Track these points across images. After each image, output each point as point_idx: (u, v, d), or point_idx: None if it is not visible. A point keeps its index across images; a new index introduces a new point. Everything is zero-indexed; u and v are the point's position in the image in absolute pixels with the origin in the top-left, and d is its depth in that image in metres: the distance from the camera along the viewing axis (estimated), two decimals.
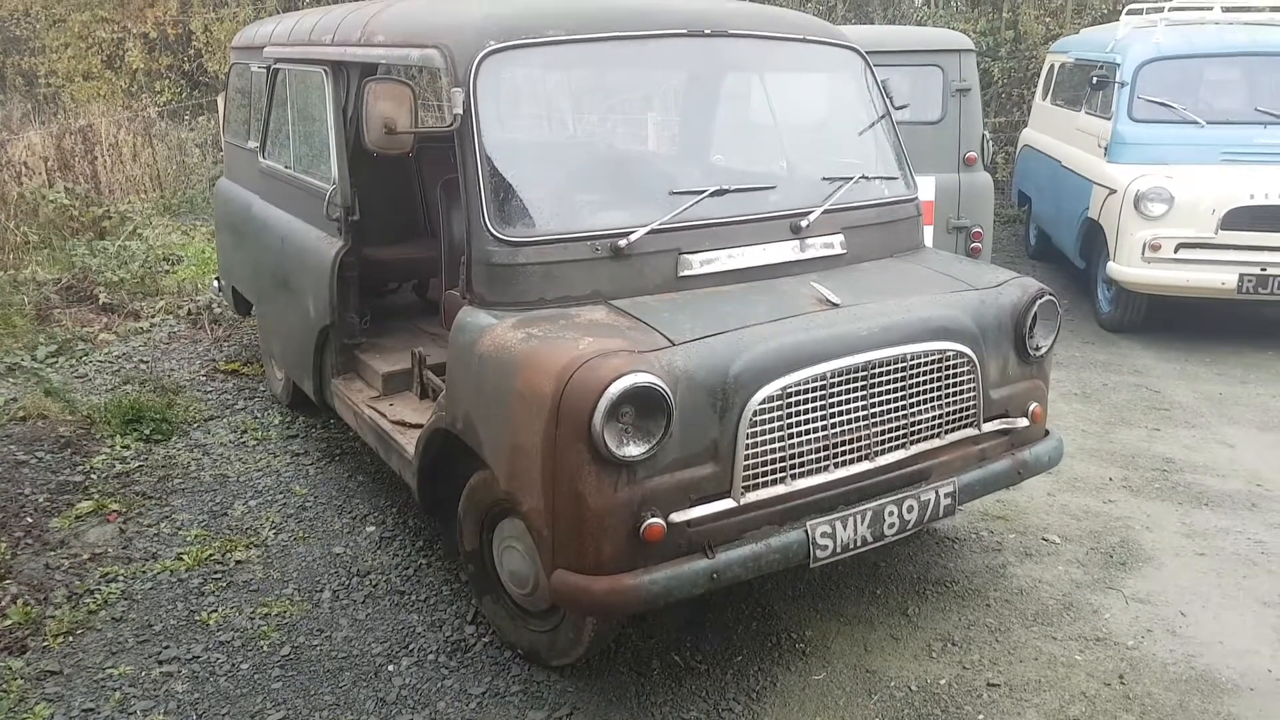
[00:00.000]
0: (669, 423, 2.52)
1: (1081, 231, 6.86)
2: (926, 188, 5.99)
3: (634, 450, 2.50)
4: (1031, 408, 3.29)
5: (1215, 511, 4.04)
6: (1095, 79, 6.82)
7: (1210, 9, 7.02)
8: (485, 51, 2.89)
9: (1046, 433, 3.41)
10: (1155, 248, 5.99)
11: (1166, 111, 6.42)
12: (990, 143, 6.15)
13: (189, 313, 6.73)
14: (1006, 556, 3.69)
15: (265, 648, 3.18)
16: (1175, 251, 5.98)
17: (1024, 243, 8.98)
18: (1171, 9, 6.95)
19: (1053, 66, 8.44)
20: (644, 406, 2.49)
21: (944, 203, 6.04)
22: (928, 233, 6.03)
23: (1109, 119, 6.63)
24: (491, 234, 2.83)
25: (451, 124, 2.88)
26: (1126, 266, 6.11)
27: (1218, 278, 5.87)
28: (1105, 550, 3.73)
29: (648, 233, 2.93)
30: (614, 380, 2.44)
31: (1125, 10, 7.38)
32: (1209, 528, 3.90)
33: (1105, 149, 6.61)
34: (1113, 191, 6.26)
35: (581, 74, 3.47)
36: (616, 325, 2.73)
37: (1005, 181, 10.26)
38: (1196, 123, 6.34)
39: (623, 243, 2.90)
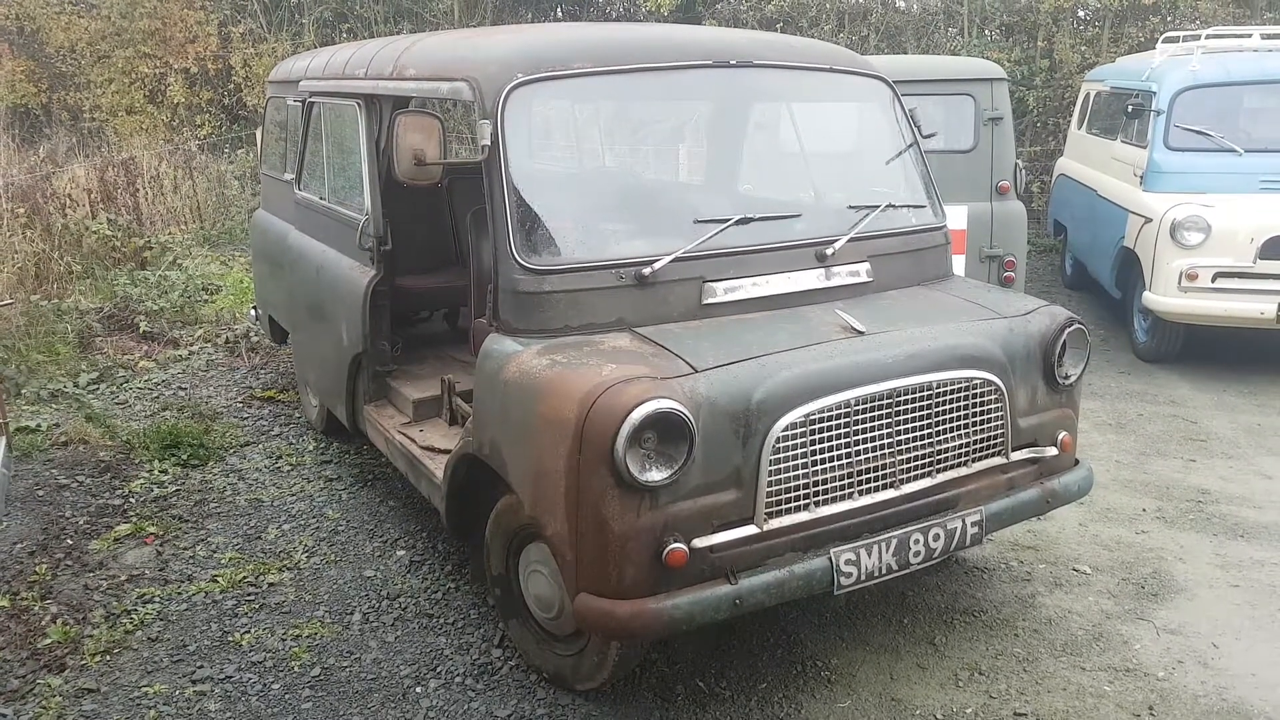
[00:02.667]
0: (691, 448, 2.54)
1: (1117, 261, 6.80)
2: (959, 217, 5.99)
3: (656, 476, 2.52)
4: (1061, 437, 3.27)
5: (1251, 543, 3.97)
6: (1131, 107, 6.78)
7: (1248, 36, 6.99)
8: (513, 84, 2.96)
9: (1076, 462, 3.39)
10: (1192, 277, 5.92)
11: (1203, 140, 6.36)
12: (1023, 171, 6.14)
13: (226, 341, 6.87)
14: (1036, 586, 3.65)
15: (296, 669, 3.22)
16: (1213, 281, 5.91)
17: (1060, 272, 8.92)
18: (1208, 36, 6.92)
19: (1088, 95, 8.41)
20: (666, 432, 2.52)
21: (976, 232, 6.02)
22: (960, 262, 6.03)
23: (1145, 147, 6.59)
24: (518, 262, 2.88)
25: (480, 155, 2.95)
26: (1163, 296, 6.04)
27: (1256, 307, 5.78)
28: (1137, 581, 3.68)
29: (671, 261, 2.97)
30: (636, 406, 2.47)
31: (1161, 38, 7.36)
32: (1244, 559, 3.83)
33: (1141, 178, 6.57)
34: (1149, 220, 6.21)
35: (607, 105, 3.54)
36: (640, 352, 2.76)
37: (1041, 211, 10.21)
38: (1234, 151, 6.28)
39: (647, 271, 2.94)
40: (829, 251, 3.24)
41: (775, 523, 2.70)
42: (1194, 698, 2.99)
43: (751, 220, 3.16)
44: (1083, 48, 10.85)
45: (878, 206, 3.41)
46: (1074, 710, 2.94)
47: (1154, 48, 7.33)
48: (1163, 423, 5.39)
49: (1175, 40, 7.13)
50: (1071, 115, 9.05)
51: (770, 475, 2.66)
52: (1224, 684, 3.06)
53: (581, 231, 3.11)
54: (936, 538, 2.91)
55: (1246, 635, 3.32)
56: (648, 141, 3.93)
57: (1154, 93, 6.61)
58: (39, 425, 5.19)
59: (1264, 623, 3.39)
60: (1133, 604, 3.52)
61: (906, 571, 2.89)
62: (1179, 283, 5.95)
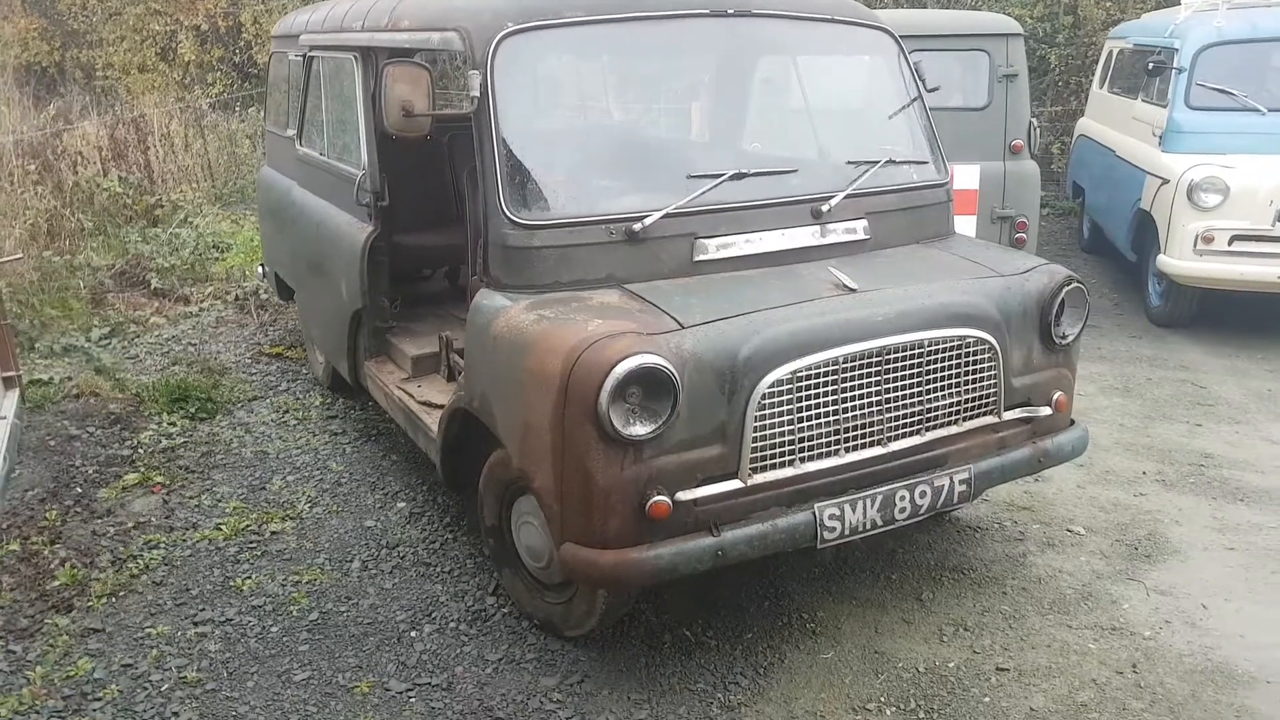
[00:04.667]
0: (675, 404, 2.55)
1: (1133, 223, 6.69)
2: (970, 176, 5.91)
3: (640, 430, 2.54)
4: (1056, 397, 3.25)
5: (1251, 507, 3.95)
6: (1152, 64, 6.63)
7: None
8: (503, 33, 2.94)
9: (1072, 422, 3.37)
10: (1208, 240, 5.83)
11: (1226, 99, 6.20)
12: (1038, 130, 6.03)
13: (236, 298, 6.94)
14: (1028, 546, 3.66)
15: (295, 613, 3.29)
16: (1229, 244, 5.80)
17: (1078, 235, 8.80)
18: None
19: (1111, 53, 8.23)
20: (650, 387, 2.53)
21: (988, 191, 5.94)
22: (971, 222, 5.97)
23: (1165, 106, 6.45)
24: (507, 217, 2.89)
25: (469, 107, 2.94)
26: (1177, 259, 5.95)
27: (1273, 271, 5.69)
28: (1130, 542, 3.68)
29: (663, 217, 2.96)
30: (620, 361, 2.48)
31: None
32: (1242, 523, 3.82)
33: (1160, 138, 6.44)
34: (1165, 181, 6.10)
35: (601, 56, 3.50)
36: (627, 308, 2.77)
37: (1061, 172, 10.05)
38: (1258, 110, 6.11)
39: (637, 227, 2.93)
40: (825, 208, 3.21)
41: (760, 478, 2.71)
42: (1179, 656, 3.01)
43: (745, 176, 3.13)
44: (1107, 4, 10.58)
45: (876, 162, 3.37)
46: (1056, 666, 2.96)
47: (1179, 4, 7.15)
48: (1171, 387, 5.35)
49: None
50: (1094, 74, 8.88)
51: (755, 431, 2.68)
52: (1210, 644, 3.07)
53: (572, 186, 3.10)
54: (923, 495, 2.92)
55: (1238, 597, 3.32)
56: (643, 94, 3.90)
57: (1176, 50, 6.46)
58: (51, 378, 5.28)
59: (1257, 586, 3.39)
60: (1124, 565, 3.53)
61: (891, 527, 2.91)
62: (1194, 246, 5.85)
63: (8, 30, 13.29)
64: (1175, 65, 6.40)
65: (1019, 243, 5.97)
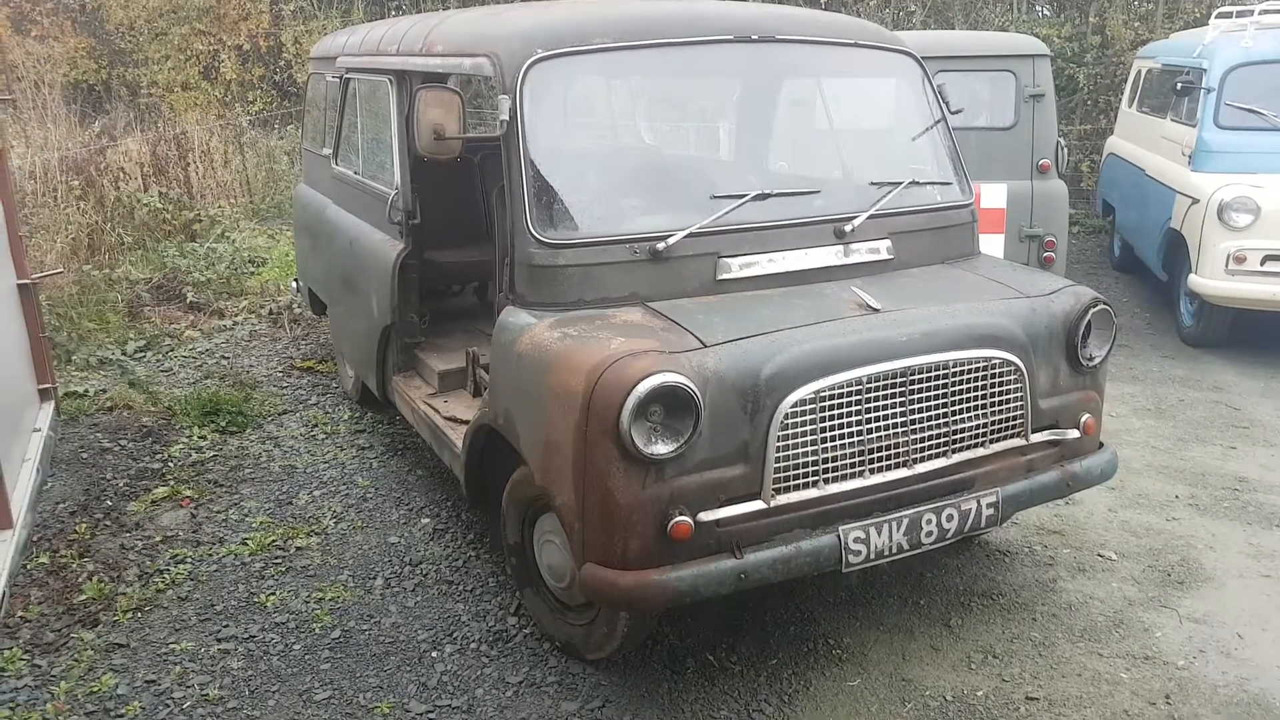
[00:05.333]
0: (697, 423, 2.55)
1: (1164, 242, 6.64)
2: (998, 195, 5.90)
3: (662, 449, 2.54)
4: (1084, 419, 3.21)
5: None
6: (1180, 84, 6.59)
7: None
8: (532, 59, 2.98)
9: (1101, 445, 3.33)
10: (1240, 260, 5.77)
11: (1255, 118, 6.17)
12: (1065, 150, 6.01)
13: (270, 312, 7.03)
14: (1058, 571, 3.61)
15: (317, 630, 3.31)
16: (1261, 264, 5.75)
17: (1108, 253, 8.72)
18: (1262, 11, 6.68)
19: (1139, 72, 8.18)
20: (672, 406, 2.53)
21: (1016, 211, 5.93)
22: (999, 241, 5.94)
23: (1194, 126, 6.41)
24: (533, 236, 2.91)
25: (499, 130, 2.97)
26: (1209, 279, 5.89)
27: None
28: (1163, 568, 3.62)
29: (686, 236, 2.97)
30: (642, 379, 2.48)
31: (1215, 14, 7.13)
32: (1278, 549, 3.75)
33: (1190, 157, 6.39)
34: (1196, 201, 6.04)
35: (628, 80, 3.53)
36: (650, 326, 2.78)
37: (1090, 190, 9.97)
38: None
39: (661, 246, 2.94)
40: (848, 228, 3.21)
41: (783, 499, 2.70)
42: (1213, 687, 2.95)
43: (769, 196, 3.14)
44: (1135, 24, 10.54)
45: (900, 183, 3.37)
46: (1088, 696, 2.91)
47: (1207, 24, 7.10)
48: (1204, 409, 5.27)
49: (1229, 16, 6.90)
50: (1122, 93, 8.82)
51: (778, 451, 2.66)
52: (1246, 675, 3.00)
53: (598, 206, 3.12)
54: (950, 518, 2.89)
55: (1274, 626, 3.25)
56: (668, 117, 3.93)
57: (1205, 70, 6.42)
58: (86, 391, 5.37)
59: None
60: (1157, 591, 3.47)
61: (918, 551, 2.88)
62: (1226, 265, 5.80)
63: (57, 50, 13.60)
64: (1204, 85, 6.36)
65: (1048, 261, 5.94)
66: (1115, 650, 3.14)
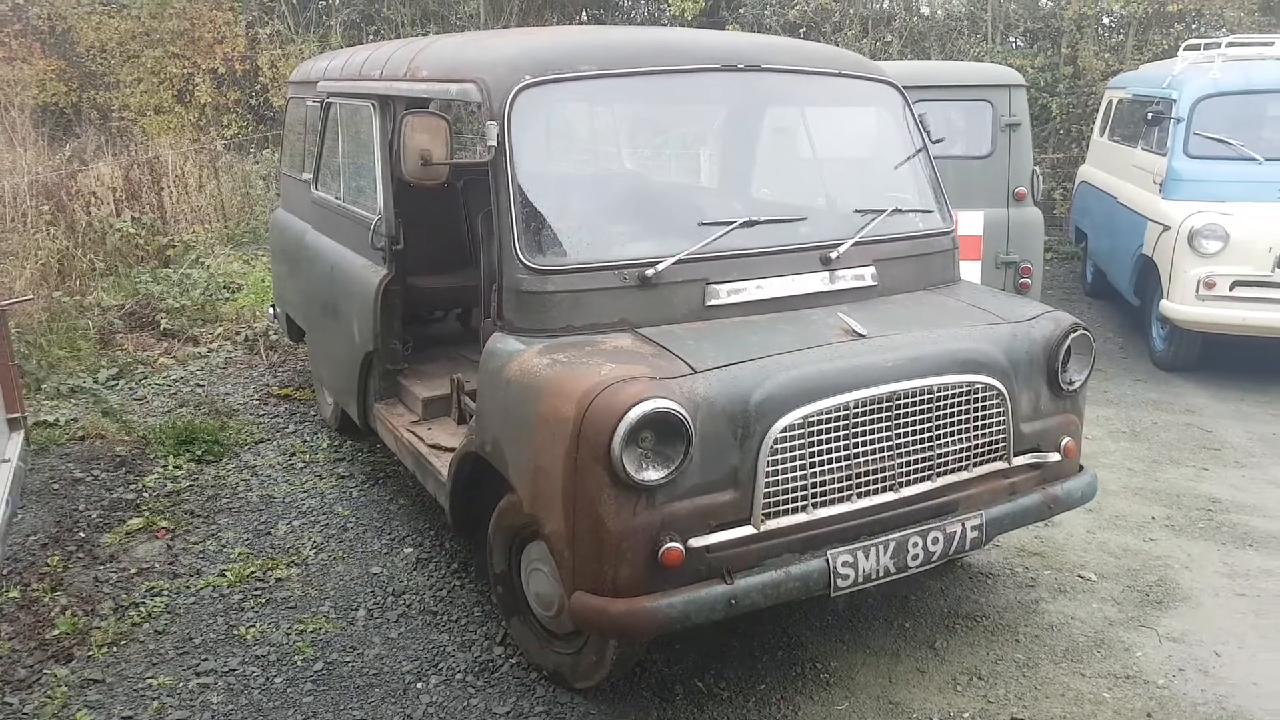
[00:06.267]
0: (688, 449, 2.55)
1: (1136, 268, 6.76)
2: (975, 222, 5.98)
3: (653, 475, 2.54)
4: (1064, 442, 3.25)
5: (1260, 552, 3.94)
6: (1151, 114, 6.74)
7: (1270, 44, 6.92)
8: (520, 86, 2.99)
9: (1081, 468, 3.37)
10: (1210, 285, 5.88)
11: (1223, 148, 6.31)
12: (1040, 178, 6.12)
13: (246, 339, 6.96)
14: (1040, 593, 3.63)
15: (299, 663, 3.26)
16: (1230, 289, 5.86)
17: (1081, 280, 8.86)
18: (1229, 44, 6.86)
19: (1111, 102, 8.36)
20: (663, 432, 2.53)
21: (993, 238, 6.01)
22: (975, 268, 6.02)
23: (1165, 155, 6.54)
24: (522, 262, 2.91)
25: (487, 155, 2.98)
26: (1180, 304, 6.00)
27: (1274, 316, 5.74)
28: (1142, 589, 3.66)
29: (675, 263, 2.99)
30: (633, 406, 2.49)
31: (1183, 46, 7.30)
32: (1252, 569, 3.80)
33: (1160, 185, 6.52)
34: (1167, 228, 6.16)
35: (614, 108, 3.56)
36: (640, 352, 2.78)
37: (1063, 218, 10.14)
38: (1254, 159, 6.22)
39: (650, 272, 2.96)
40: (834, 255, 3.24)
41: (772, 524, 2.70)
42: (1193, 705, 2.97)
43: (756, 223, 3.17)
44: (1106, 55, 10.78)
45: (883, 211, 3.41)
46: (1072, 716, 2.93)
47: (1176, 55, 7.27)
48: (1177, 431, 5.35)
49: (1197, 48, 7.08)
50: (1094, 122, 9.00)
51: (768, 476, 2.67)
52: (1224, 692, 3.04)
53: (586, 232, 3.13)
54: (935, 541, 2.91)
55: (1250, 644, 3.29)
56: (654, 144, 3.95)
57: (1174, 100, 6.57)
58: (57, 420, 5.28)
59: (1269, 632, 3.36)
60: (1136, 611, 3.50)
61: (905, 574, 2.89)
62: (1196, 291, 5.91)
63: (26, 72, 13.45)
64: (1174, 115, 6.50)
65: (1024, 288, 6.02)
66: (1097, 670, 3.16)
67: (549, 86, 3.07)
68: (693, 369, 2.69)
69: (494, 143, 2.96)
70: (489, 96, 3.04)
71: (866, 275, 3.34)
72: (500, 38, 3.48)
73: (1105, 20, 11.43)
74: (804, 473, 2.73)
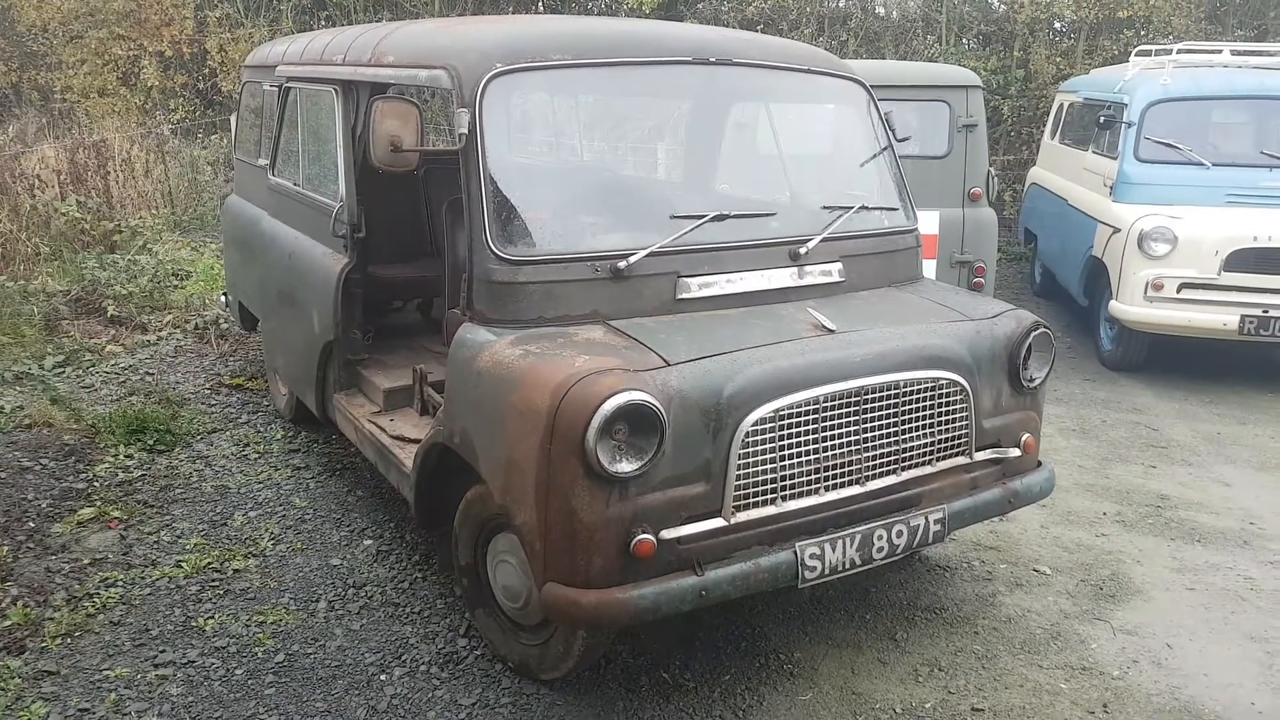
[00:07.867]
0: (661, 441, 2.56)
1: (1085, 269, 6.91)
2: (930, 222, 6.05)
3: (626, 467, 2.54)
4: (1024, 438, 3.32)
5: (1207, 548, 4.06)
6: (1102, 118, 6.89)
7: (1219, 51, 7.11)
8: (491, 74, 2.97)
9: (1039, 464, 3.44)
10: (1158, 287, 6.04)
11: (1172, 152, 6.47)
12: (995, 179, 6.22)
13: (196, 327, 6.81)
14: (997, 586, 3.70)
15: (260, 655, 3.20)
16: (1178, 291, 6.02)
17: (1029, 280, 9.03)
18: (1180, 51, 7.03)
19: (1062, 106, 8.52)
20: (637, 424, 2.54)
21: (948, 237, 6.09)
22: (930, 266, 6.10)
23: (1115, 158, 6.69)
24: (493, 252, 2.89)
25: (457, 144, 2.95)
26: (1129, 305, 6.15)
27: (1219, 319, 5.90)
28: (1095, 582, 3.75)
29: (647, 255, 2.99)
30: (608, 397, 2.48)
31: (1134, 52, 7.47)
32: (1200, 563, 3.92)
33: (1111, 188, 6.67)
34: (1117, 230, 6.31)
35: (587, 98, 3.55)
36: (613, 345, 2.78)
37: (1013, 219, 10.33)
38: (1202, 164, 6.38)
39: (622, 264, 2.95)
40: (802, 251, 3.27)
41: (742, 516, 2.72)
42: (1147, 696, 3.06)
43: (727, 217, 3.18)
44: (1058, 59, 11.00)
45: (851, 208, 3.45)
46: (1030, 707, 3.00)
47: (1128, 61, 7.44)
48: (1125, 429, 5.49)
49: (1148, 54, 7.25)
50: (1045, 125, 9.17)
51: (739, 469, 2.69)
52: (1177, 683, 3.13)
53: (558, 223, 3.12)
54: (900, 534, 2.95)
55: (1200, 636, 3.39)
56: (627, 136, 3.95)
57: (1125, 105, 6.72)
58: (2, 407, 5.12)
59: (1217, 625, 3.47)
60: (1090, 604, 3.59)
61: (870, 566, 2.93)
62: (1145, 292, 6.06)
63: None
64: (1125, 120, 6.65)
65: (977, 287, 6.12)
66: (1054, 662, 3.24)
67: (521, 74, 3.05)
68: (666, 361, 2.69)
69: (465, 131, 2.93)
70: (460, 84, 3.00)
71: (834, 271, 3.37)
72: (471, 24, 3.44)
73: (1057, 25, 11.67)
74: (774, 465, 2.75)
